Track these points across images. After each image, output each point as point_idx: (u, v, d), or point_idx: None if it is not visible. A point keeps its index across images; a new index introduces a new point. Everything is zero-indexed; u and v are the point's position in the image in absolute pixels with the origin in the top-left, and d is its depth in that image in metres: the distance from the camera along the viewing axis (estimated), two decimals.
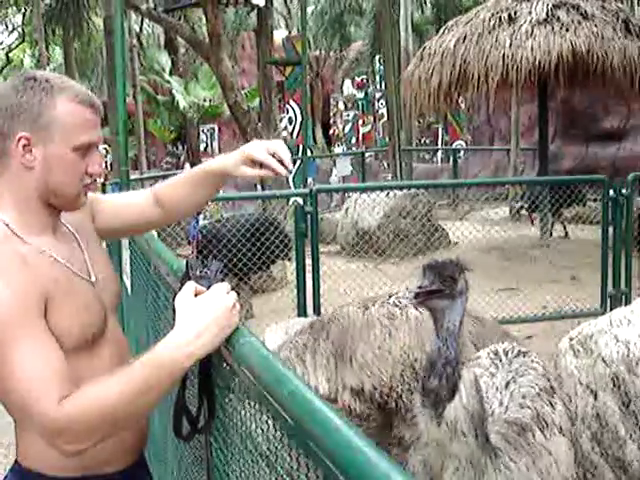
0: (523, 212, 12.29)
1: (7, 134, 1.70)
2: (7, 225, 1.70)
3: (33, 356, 1.54)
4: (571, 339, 3.98)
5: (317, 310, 6.19)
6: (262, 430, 1.36)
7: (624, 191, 6.88)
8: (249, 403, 1.45)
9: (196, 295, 1.62)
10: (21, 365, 1.53)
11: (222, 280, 1.67)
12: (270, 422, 1.31)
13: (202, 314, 1.57)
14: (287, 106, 15.96)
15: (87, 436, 1.53)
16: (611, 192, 6.92)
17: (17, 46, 34.31)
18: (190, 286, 1.63)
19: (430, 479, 2.18)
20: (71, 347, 1.67)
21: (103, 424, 1.53)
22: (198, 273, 1.68)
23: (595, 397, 3.73)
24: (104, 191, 8.67)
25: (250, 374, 1.38)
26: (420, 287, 2.05)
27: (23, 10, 29.08)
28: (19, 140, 1.69)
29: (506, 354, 2.96)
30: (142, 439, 1.94)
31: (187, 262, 1.74)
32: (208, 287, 1.63)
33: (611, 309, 6.10)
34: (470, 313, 3.83)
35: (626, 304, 6.04)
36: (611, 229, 7.04)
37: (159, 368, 1.53)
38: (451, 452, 2.09)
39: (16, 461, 1.82)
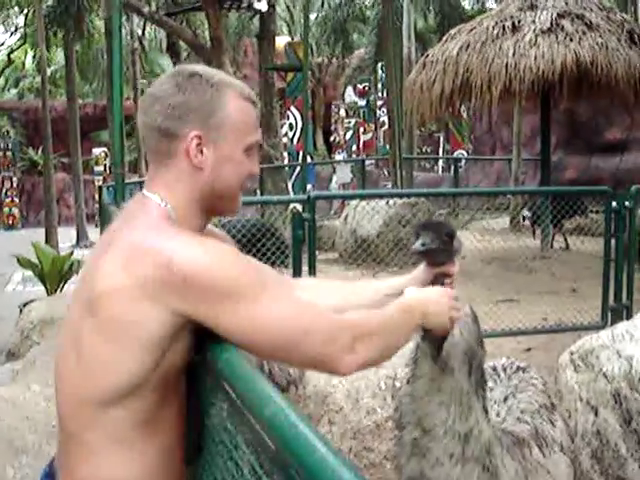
0: (526, 223, 12.21)
1: (175, 134, 1.57)
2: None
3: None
4: (572, 353, 3.91)
5: None
6: (244, 454, 1.27)
7: (627, 203, 6.80)
8: (231, 423, 1.36)
9: None
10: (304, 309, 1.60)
11: None
12: (252, 446, 1.21)
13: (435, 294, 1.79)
14: (288, 112, 15.96)
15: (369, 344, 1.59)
16: (614, 204, 6.84)
17: (19, 47, 34.36)
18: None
19: (415, 413, 2.13)
20: None
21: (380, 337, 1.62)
22: None
23: (596, 414, 3.65)
24: (100, 194, 8.59)
25: (232, 391, 1.29)
26: (423, 244, 2.01)
27: (25, 11, 29.13)
28: (192, 140, 1.56)
29: (504, 370, 2.88)
30: None
31: None
32: None
33: (612, 323, 6.01)
34: None
35: (627, 318, 5.96)
36: (613, 241, 6.96)
37: (407, 312, 1.68)
38: (439, 387, 2.07)
39: None
